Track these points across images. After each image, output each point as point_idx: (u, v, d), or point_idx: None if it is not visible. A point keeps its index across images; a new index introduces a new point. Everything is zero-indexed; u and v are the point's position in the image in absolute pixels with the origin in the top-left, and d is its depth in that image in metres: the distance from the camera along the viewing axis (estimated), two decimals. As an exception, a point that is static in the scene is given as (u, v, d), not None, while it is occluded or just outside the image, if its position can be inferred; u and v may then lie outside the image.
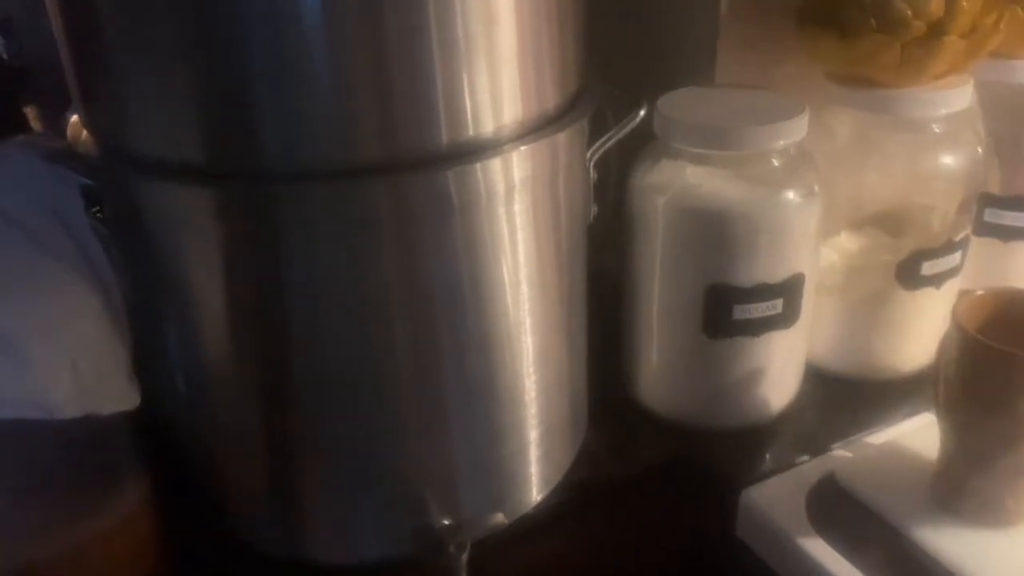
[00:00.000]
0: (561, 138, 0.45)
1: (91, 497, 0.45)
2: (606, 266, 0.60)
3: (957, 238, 0.60)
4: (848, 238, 0.63)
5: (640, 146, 0.57)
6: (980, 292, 0.49)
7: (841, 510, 0.52)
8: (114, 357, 0.44)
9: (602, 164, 0.54)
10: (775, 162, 0.54)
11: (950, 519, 0.50)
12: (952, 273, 0.61)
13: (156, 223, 0.44)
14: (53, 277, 0.42)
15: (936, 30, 0.53)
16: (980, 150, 0.60)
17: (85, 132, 0.45)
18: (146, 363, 0.48)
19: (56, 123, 0.49)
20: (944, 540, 0.49)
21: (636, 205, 0.57)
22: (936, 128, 0.58)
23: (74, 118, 0.46)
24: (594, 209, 0.54)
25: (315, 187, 0.40)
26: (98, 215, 0.45)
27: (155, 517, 0.48)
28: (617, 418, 0.61)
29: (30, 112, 0.74)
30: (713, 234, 0.53)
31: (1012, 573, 0.46)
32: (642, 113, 0.52)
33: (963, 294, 0.49)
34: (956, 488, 0.50)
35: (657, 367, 0.60)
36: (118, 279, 0.46)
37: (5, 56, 0.74)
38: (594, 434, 0.59)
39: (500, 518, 0.49)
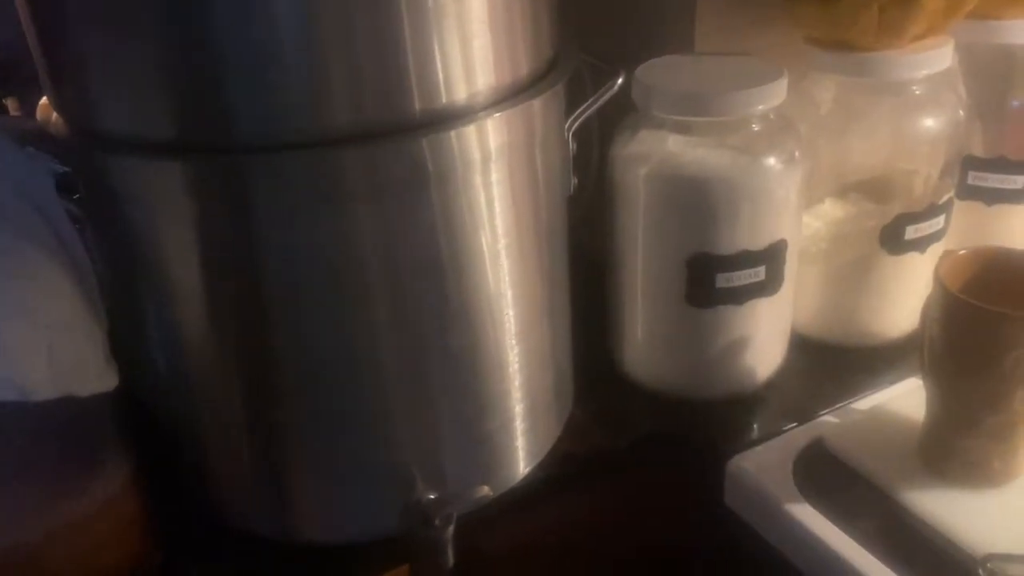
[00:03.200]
0: (536, 105, 0.45)
1: (72, 479, 0.45)
2: (592, 239, 0.60)
3: (940, 201, 0.59)
4: (833, 205, 0.63)
5: (621, 116, 0.57)
6: (962, 252, 0.48)
7: (829, 476, 0.52)
8: (90, 338, 0.44)
9: (583, 135, 0.54)
10: (755, 127, 0.54)
11: (938, 481, 0.50)
12: (936, 237, 0.60)
13: (129, 201, 0.43)
14: (27, 260, 0.41)
15: (914, -10, 0.53)
16: (961, 112, 0.60)
17: (55, 114, 0.44)
18: (126, 344, 0.47)
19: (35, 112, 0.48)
20: (932, 502, 0.49)
21: (617, 176, 0.56)
22: (917, 91, 0.58)
23: (44, 100, 0.46)
24: (574, 180, 0.53)
25: (287, 159, 0.40)
26: (72, 197, 0.44)
27: (138, 499, 0.48)
28: (604, 391, 0.61)
29: (11, 104, 0.73)
30: (694, 203, 0.53)
31: (1000, 532, 0.46)
32: (620, 82, 0.52)
33: (946, 254, 0.49)
34: (943, 449, 0.50)
35: (642, 338, 0.59)
36: (94, 260, 0.45)
37: (-19, 46, 0.73)
38: (581, 407, 0.59)
39: (486, 491, 0.49)
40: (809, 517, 0.49)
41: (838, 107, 0.60)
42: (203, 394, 0.48)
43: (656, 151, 0.54)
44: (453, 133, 0.42)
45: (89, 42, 0.40)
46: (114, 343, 0.47)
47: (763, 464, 0.53)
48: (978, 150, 0.66)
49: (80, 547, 0.45)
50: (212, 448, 0.50)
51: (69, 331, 0.43)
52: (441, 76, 0.41)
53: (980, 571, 0.44)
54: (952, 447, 0.49)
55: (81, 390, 0.43)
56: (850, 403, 0.57)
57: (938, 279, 0.47)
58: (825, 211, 0.63)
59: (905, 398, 0.55)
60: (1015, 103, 0.65)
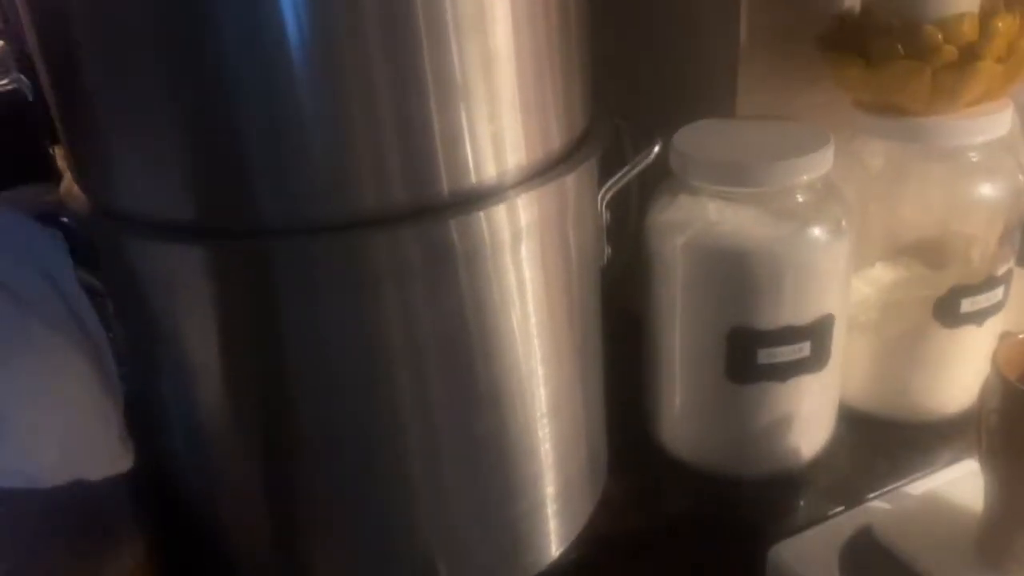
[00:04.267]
0: (569, 180, 0.43)
1: (87, 562, 0.44)
2: (629, 304, 0.58)
3: (999, 272, 0.56)
4: (883, 270, 0.60)
5: (659, 180, 0.55)
6: (1022, 336, 0.45)
7: (877, 568, 0.49)
8: (104, 419, 0.43)
9: (621, 200, 0.52)
10: (799, 197, 0.51)
11: (997, 579, 0.46)
12: (994, 310, 0.57)
13: (148, 280, 0.42)
14: (39, 339, 0.40)
15: (969, 54, 0.50)
16: (1022, 178, 0.56)
17: (76, 187, 0.44)
18: (143, 421, 0.46)
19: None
20: (991, 604, 0.45)
21: (654, 244, 0.54)
22: (973, 156, 0.55)
23: (68, 174, 0.45)
24: (608, 251, 0.51)
25: (311, 243, 0.39)
26: (90, 271, 0.44)
27: (151, 570, 0.47)
28: (639, 465, 0.59)
29: (59, 151, 0.73)
30: (734, 275, 0.51)
31: (1066, 641, 0.43)
32: (656, 150, 0.50)
33: (1004, 337, 0.46)
34: (1002, 547, 0.46)
35: (680, 412, 0.57)
36: (111, 336, 0.44)
37: (30, 97, 0.73)
38: (614, 482, 0.56)
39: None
40: (856, 614, 0.46)
41: (889, 170, 0.57)
42: (221, 470, 0.47)
43: (694, 219, 0.52)
44: (482, 213, 0.40)
45: (112, 123, 0.39)
46: (131, 417, 0.46)
47: (807, 554, 0.50)
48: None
49: (94, 631, 0.44)
50: (231, 526, 0.48)
51: (82, 413, 0.42)
52: (470, 156, 0.39)
53: None
54: (1012, 544, 0.46)
55: (94, 473, 0.42)
56: (901, 486, 0.54)
57: (995, 365, 0.44)
58: (876, 276, 0.60)
59: (962, 483, 0.52)
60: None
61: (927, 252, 0.59)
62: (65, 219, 0.44)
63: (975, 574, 0.47)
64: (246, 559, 0.49)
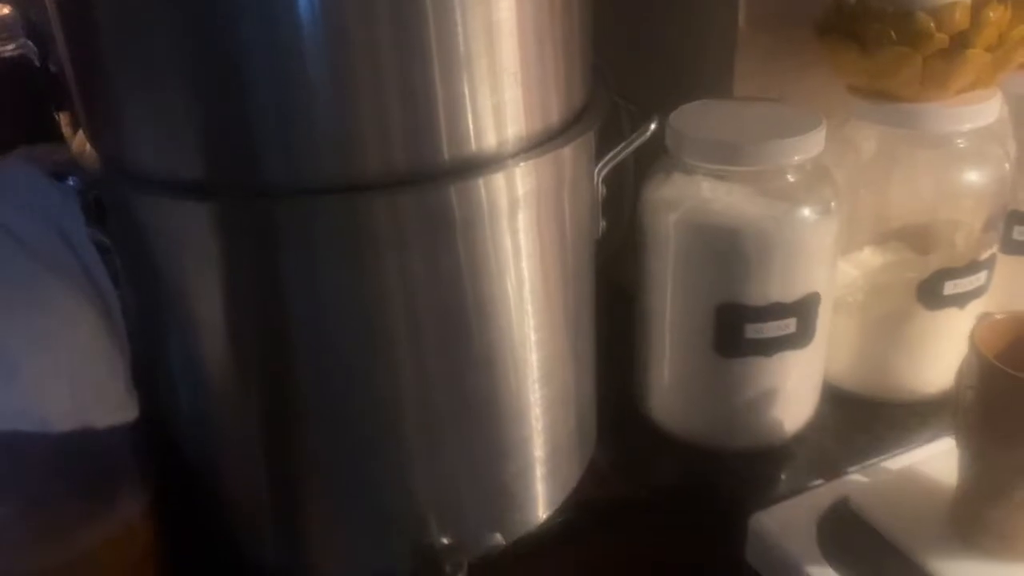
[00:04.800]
0: (566, 152, 0.45)
1: (90, 509, 0.45)
2: (625, 279, 0.59)
3: (982, 257, 0.58)
4: (872, 253, 0.62)
5: (655, 158, 0.56)
6: (999, 316, 0.47)
7: (854, 538, 0.51)
8: (111, 369, 0.44)
9: (619, 177, 0.53)
10: (790, 178, 0.53)
11: (968, 551, 0.48)
12: (977, 293, 0.59)
13: (156, 236, 0.43)
14: (51, 290, 0.41)
15: (960, 43, 0.51)
16: (1007, 166, 0.58)
17: (88, 145, 0.45)
18: (147, 375, 0.48)
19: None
20: (959, 573, 0.47)
21: (648, 220, 0.55)
22: (961, 143, 0.56)
23: (80, 132, 0.46)
24: (603, 224, 0.53)
25: (315, 203, 0.40)
26: (101, 226, 0.45)
27: (155, 530, 0.48)
28: (627, 435, 0.60)
29: (63, 118, 0.74)
30: (725, 251, 0.52)
31: (1031, 610, 0.45)
32: (653, 127, 0.51)
33: (982, 317, 0.47)
34: (974, 520, 0.48)
35: (669, 384, 0.58)
36: (119, 292, 0.45)
37: (38, 63, 0.74)
38: (603, 451, 0.58)
39: (498, 539, 0.48)
40: (829, 578, 0.48)
41: (880, 155, 0.59)
42: (222, 427, 0.48)
43: (688, 197, 0.54)
44: (481, 180, 0.42)
45: (124, 82, 0.40)
46: (136, 371, 0.47)
47: (786, 522, 0.52)
48: (1024, 205, 0.64)
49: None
50: (230, 480, 0.50)
51: (91, 361, 0.43)
52: (471, 125, 0.41)
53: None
54: (984, 517, 0.48)
55: (101, 421, 0.43)
56: (880, 461, 0.56)
57: (973, 344, 0.45)
58: (864, 259, 0.62)
59: (938, 459, 0.54)
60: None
61: (915, 237, 0.60)
62: (74, 179, 0.45)
63: (947, 545, 0.49)
64: (243, 512, 0.51)
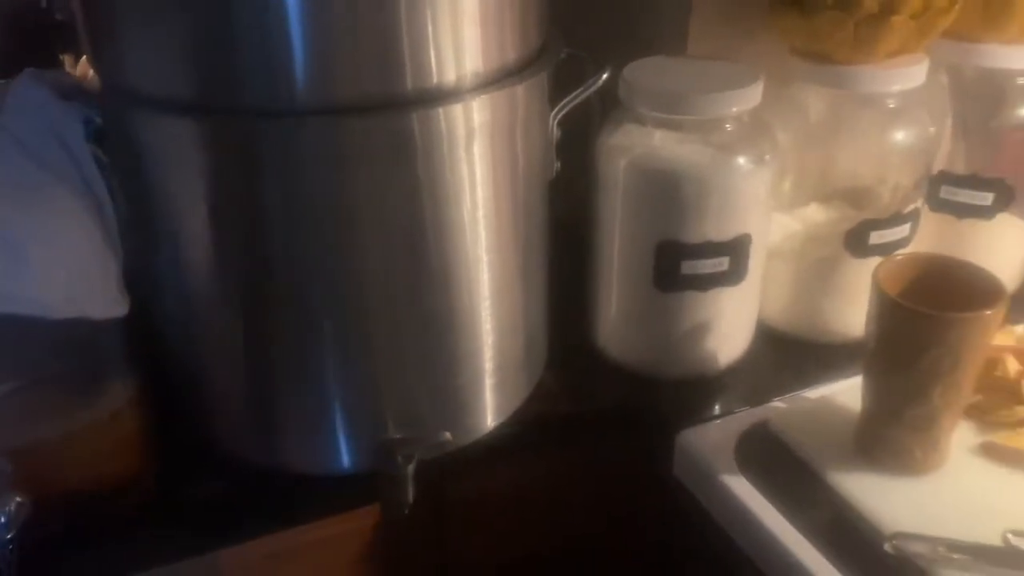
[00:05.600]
0: (519, 91, 0.50)
1: (82, 392, 0.51)
2: (578, 220, 0.64)
3: (906, 210, 0.63)
4: (817, 210, 0.67)
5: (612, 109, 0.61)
6: (900, 257, 0.52)
7: (770, 455, 0.56)
8: (106, 268, 0.49)
9: (575, 124, 0.58)
10: (729, 128, 0.58)
11: (865, 466, 0.54)
12: (900, 244, 0.64)
13: (150, 151, 0.49)
14: (53, 193, 0.47)
15: (887, 9, 0.56)
16: (932, 129, 0.63)
17: (91, 70, 0.50)
18: (137, 278, 0.53)
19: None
20: (855, 484, 0.53)
21: (601, 165, 0.61)
22: (891, 104, 0.61)
23: (84, 58, 0.51)
24: (557, 165, 0.58)
25: (292, 124, 0.45)
26: (101, 143, 0.50)
27: (140, 418, 0.54)
28: (576, 362, 0.66)
29: (68, 60, 0.78)
30: (666, 194, 0.57)
31: (910, 515, 0.50)
32: (605, 76, 0.56)
33: (886, 259, 0.53)
34: (873, 439, 0.54)
35: (614, 317, 0.64)
36: (115, 200, 0.51)
37: (44, 4, 0.78)
38: (553, 376, 0.64)
39: (447, 437, 0.54)
40: (744, 490, 0.54)
41: (825, 117, 0.64)
42: (205, 328, 0.54)
43: (637, 144, 0.59)
44: (441, 110, 0.47)
45: (124, 9, 0.45)
46: (128, 276, 0.52)
47: (709, 440, 0.57)
48: (960, 167, 0.69)
49: (87, 454, 0.51)
50: (209, 376, 0.55)
51: (87, 259, 0.48)
52: (433, 59, 0.46)
53: (886, 546, 0.49)
54: (880, 436, 0.53)
55: (95, 313, 0.48)
56: (800, 392, 0.61)
57: (875, 280, 0.51)
58: (808, 215, 0.67)
59: (851, 392, 0.59)
60: (997, 124, 0.69)
61: (854, 194, 0.65)
62: (77, 100, 0.50)
63: (850, 461, 0.54)
64: (219, 405, 0.56)
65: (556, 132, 0.56)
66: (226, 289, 0.52)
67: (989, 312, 0.48)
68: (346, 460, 0.55)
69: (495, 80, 0.49)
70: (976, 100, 0.68)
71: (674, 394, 0.63)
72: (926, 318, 0.47)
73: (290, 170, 0.47)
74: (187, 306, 0.53)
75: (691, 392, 0.63)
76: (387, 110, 0.46)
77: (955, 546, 0.48)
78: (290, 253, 0.49)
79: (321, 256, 0.49)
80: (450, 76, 0.47)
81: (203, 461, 0.57)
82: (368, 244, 0.49)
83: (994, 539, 0.48)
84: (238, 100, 0.45)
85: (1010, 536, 0.48)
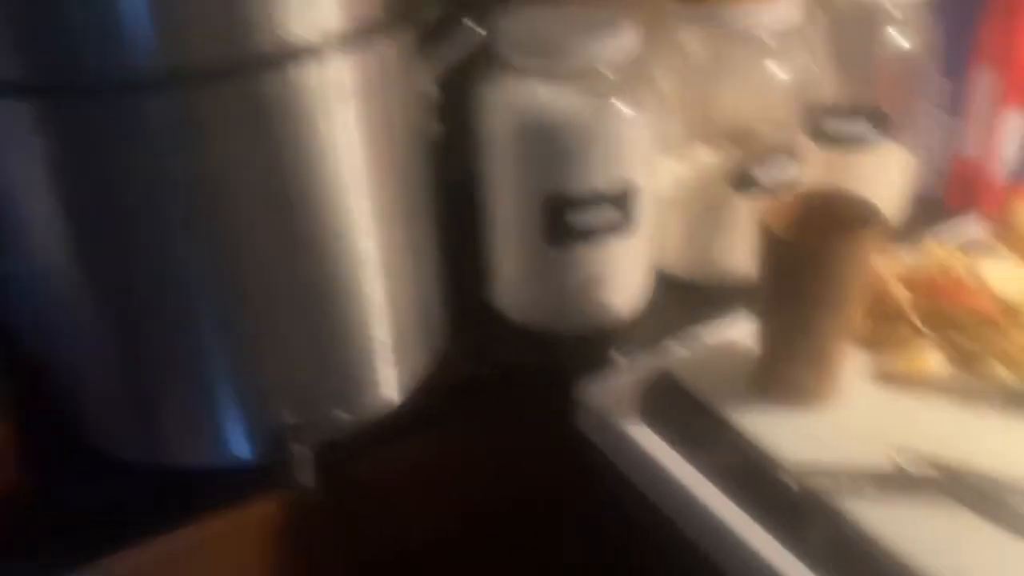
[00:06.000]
0: (383, 49, 0.48)
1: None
2: (468, 180, 0.63)
3: (787, 146, 0.63)
4: (704, 152, 0.67)
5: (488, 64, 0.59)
6: (786, 196, 0.52)
7: (670, 400, 0.56)
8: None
9: (453, 81, 0.56)
10: (609, 75, 0.57)
11: (765, 404, 0.54)
12: (790, 183, 0.64)
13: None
14: None
15: (756, -55, 0.56)
16: (811, 64, 0.63)
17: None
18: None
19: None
20: (757, 421, 0.53)
21: (482, 120, 0.59)
22: (769, 41, 0.61)
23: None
24: (439, 126, 0.56)
25: (132, 99, 0.42)
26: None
27: (11, 426, 0.50)
28: (477, 325, 0.65)
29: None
30: (548, 145, 0.56)
31: (816, 448, 0.51)
32: (481, 31, 0.54)
33: (771, 198, 0.53)
34: (769, 375, 0.54)
35: (509, 275, 0.63)
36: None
37: None
38: (454, 341, 0.62)
39: (343, 416, 0.52)
40: (645, 437, 0.54)
41: (704, 59, 0.63)
42: (68, 325, 0.50)
43: (516, 96, 0.57)
44: (299, 71, 0.44)
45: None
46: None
47: (609, 389, 0.57)
48: (841, 100, 0.70)
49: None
50: (81, 377, 0.52)
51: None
52: (290, 15, 0.43)
53: (789, 482, 0.49)
54: (775, 372, 0.54)
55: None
56: (699, 333, 0.61)
57: (760, 218, 0.51)
58: (696, 158, 0.66)
59: (750, 331, 0.60)
60: (872, 54, 0.69)
61: (740, 136, 0.65)
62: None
63: (748, 400, 0.54)
64: (92, 405, 0.53)
65: (436, 91, 0.54)
66: (85, 282, 0.48)
67: (862, 232, 0.48)
68: (238, 449, 0.53)
69: (354, 38, 0.46)
70: (850, 31, 0.69)
71: (574, 348, 0.63)
72: (803, 247, 0.48)
73: (139, 148, 0.44)
74: (47, 305, 0.50)
75: (592, 345, 0.63)
76: (240, 74, 0.43)
77: (857, 476, 0.48)
78: (151, 236, 0.46)
79: (184, 236, 0.46)
80: (304, 35, 0.44)
81: (87, 468, 0.54)
82: (233, 218, 0.47)
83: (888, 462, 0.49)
84: (72, 78, 0.42)
85: (896, 456, 0.49)
